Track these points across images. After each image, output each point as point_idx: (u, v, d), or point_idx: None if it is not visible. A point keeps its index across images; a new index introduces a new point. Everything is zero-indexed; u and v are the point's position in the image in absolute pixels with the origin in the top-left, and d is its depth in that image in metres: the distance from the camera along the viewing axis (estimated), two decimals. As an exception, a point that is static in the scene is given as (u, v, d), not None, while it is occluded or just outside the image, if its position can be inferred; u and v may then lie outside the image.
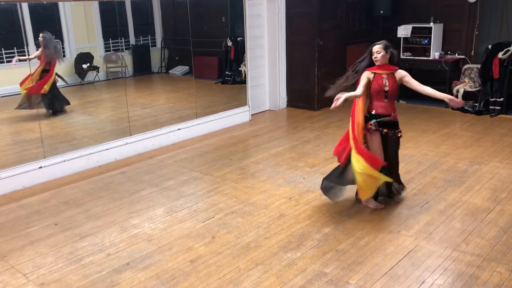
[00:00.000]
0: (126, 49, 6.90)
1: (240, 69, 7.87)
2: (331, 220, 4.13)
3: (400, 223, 4.03)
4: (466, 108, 7.64)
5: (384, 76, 4.09)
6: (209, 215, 4.30)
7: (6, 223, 4.30)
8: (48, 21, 5.94)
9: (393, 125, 4.19)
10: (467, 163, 5.41)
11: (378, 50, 4.08)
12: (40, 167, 5.25)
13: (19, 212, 4.52)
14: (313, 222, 4.10)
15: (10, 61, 5.61)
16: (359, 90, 4.05)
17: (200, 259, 3.57)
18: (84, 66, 6.40)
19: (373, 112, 4.16)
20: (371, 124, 4.12)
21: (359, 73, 4.18)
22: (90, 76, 6.54)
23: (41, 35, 5.57)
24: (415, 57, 8.16)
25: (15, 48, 5.53)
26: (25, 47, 5.31)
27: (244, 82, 7.71)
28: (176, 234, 3.97)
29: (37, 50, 5.57)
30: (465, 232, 3.85)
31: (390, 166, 4.24)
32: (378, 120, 4.12)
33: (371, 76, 4.10)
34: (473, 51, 8.01)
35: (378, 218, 4.14)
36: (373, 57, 4.10)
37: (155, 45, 7.44)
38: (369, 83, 4.11)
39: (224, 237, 3.89)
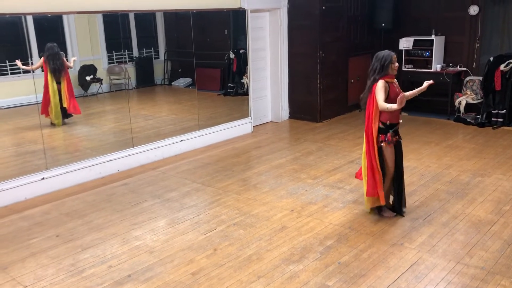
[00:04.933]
0: (129, 61, 6.94)
1: (242, 81, 7.90)
2: (334, 232, 4.11)
3: (403, 236, 4.01)
4: (468, 119, 7.65)
5: (395, 84, 4.13)
6: (211, 227, 4.29)
7: (7, 234, 4.29)
8: (52, 33, 5.99)
9: (397, 132, 4.21)
10: (470, 175, 5.39)
11: (396, 59, 4.08)
12: (43, 179, 5.25)
13: (20, 223, 4.52)
14: (315, 234, 4.08)
15: (14, 73, 5.65)
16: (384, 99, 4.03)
17: (202, 271, 3.55)
18: (88, 78, 6.44)
19: (387, 123, 4.09)
20: (391, 136, 4.09)
21: (372, 84, 4.08)
22: (94, 88, 6.57)
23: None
24: (417, 70, 8.19)
25: (19, 60, 5.56)
26: (29, 59, 5.35)
27: (246, 94, 7.74)
28: (177, 246, 3.95)
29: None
30: (469, 244, 3.82)
31: (401, 173, 4.28)
32: (394, 129, 4.12)
33: (387, 85, 4.04)
34: (474, 63, 8.03)
35: (381, 230, 4.12)
36: (394, 65, 4.06)
37: (158, 57, 7.49)
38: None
39: (226, 249, 3.87)
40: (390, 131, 4.09)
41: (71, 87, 5.97)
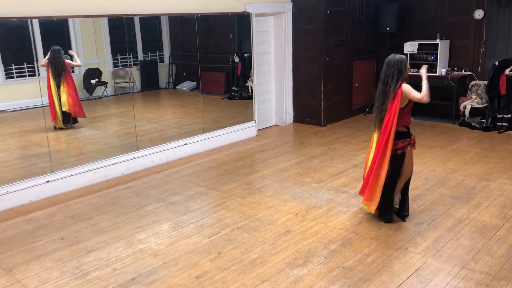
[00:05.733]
0: (134, 64, 6.97)
1: (246, 84, 7.92)
2: (338, 236, 4.10)
3: (407, 240, 3.99)
4: (473, 124, 7.63)
5: None
6: (215, 230, 4.29)
7: (12, 237, 4.31)
8: (58, 37, 6.02)
9: None
10: (475, 179, 5.37)
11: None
12: (48, 181, 5.27)
13: (25, 226, 4.53)
14: (319, 238, 4.07)
15: (20, 76, 5.68)
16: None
17: (206, 275, 3.55)
18: (93, 81, 6.46)
19: (409, 126, 4.17)
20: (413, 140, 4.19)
21: (396, 89, 4.02)
22: (99, 91, 6.60)
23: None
24: (422, 73, 8.17)
25: (25, 63, 5.61)
26: (35, 63, 5.38)
27: (250, 97, 7.75)
28: (182, 249, 3.95)
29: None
30: (474, 249, 3.80)
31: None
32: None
33: None
34: (480, 68, 8.01)
35: (385, 234, 4.10)
36: (408, 68, 4.10)
37: (163, 61, 7.51)
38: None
39: (230, 253, 3.87)
40: (411, 133, 4.16)
41: (74, 91, 5.95)
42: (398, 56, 4.10)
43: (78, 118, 6.22)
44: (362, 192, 4.37)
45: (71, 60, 5.90)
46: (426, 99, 3.97)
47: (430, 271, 3.51)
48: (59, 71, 5.77)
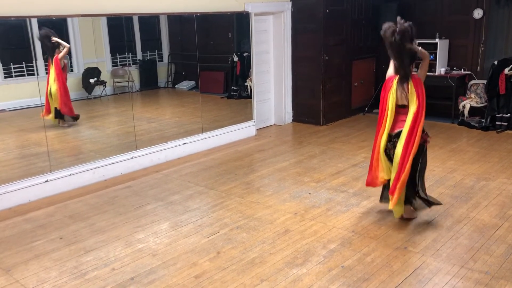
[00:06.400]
0: (133, 64, 6.96)
1: (246, 84, 7.91)
2: (337, 236, 4.10)
3: (406, 240, 3.99)
4: (472, 123, 7.63)
5: None
6: (214, 230, 4.29)
7: (11, 236, 4.30)
8: (56, 36, 6.01)
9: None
10: (474, 179, 5.37)
11: None
12: (46, 181, 5.26)
13: (24, 226, 4.53)
14: (318, 237, 4.07)
15: (18, 76, 5.67)
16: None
17: (205, 274, 3.54)
18: (92, 80, 6.45)
19: None
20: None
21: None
22: (97, 90, 6.59)
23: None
24: (421, 73, 8.17)
25: (23, 63, 5.60)
26: (34, 62, 5.37)
27: (249, 97, 7.75)
28: (180, 249, 3.95)
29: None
30: (473, 249, 3.80)
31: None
32: None
33: None
34: (479, 67, 8.01)
35: (385, 234, 4.10)
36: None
37: (162, 60, 7.51)
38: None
39: (229, 252, 3.87)
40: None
41: (64, 87, 5.84)
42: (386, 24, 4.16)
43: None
44: (392, 192, 4.10)
45: (60, 48, 5.79)
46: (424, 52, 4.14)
47: (429, 270, 3.51)
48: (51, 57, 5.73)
